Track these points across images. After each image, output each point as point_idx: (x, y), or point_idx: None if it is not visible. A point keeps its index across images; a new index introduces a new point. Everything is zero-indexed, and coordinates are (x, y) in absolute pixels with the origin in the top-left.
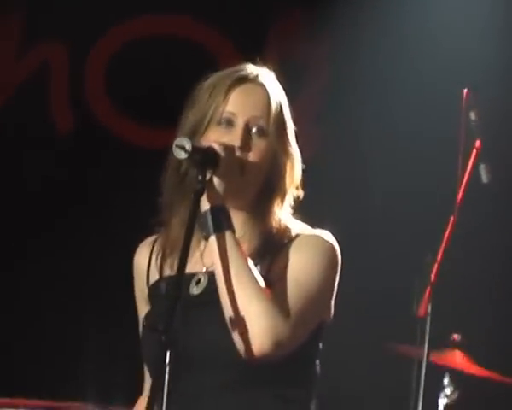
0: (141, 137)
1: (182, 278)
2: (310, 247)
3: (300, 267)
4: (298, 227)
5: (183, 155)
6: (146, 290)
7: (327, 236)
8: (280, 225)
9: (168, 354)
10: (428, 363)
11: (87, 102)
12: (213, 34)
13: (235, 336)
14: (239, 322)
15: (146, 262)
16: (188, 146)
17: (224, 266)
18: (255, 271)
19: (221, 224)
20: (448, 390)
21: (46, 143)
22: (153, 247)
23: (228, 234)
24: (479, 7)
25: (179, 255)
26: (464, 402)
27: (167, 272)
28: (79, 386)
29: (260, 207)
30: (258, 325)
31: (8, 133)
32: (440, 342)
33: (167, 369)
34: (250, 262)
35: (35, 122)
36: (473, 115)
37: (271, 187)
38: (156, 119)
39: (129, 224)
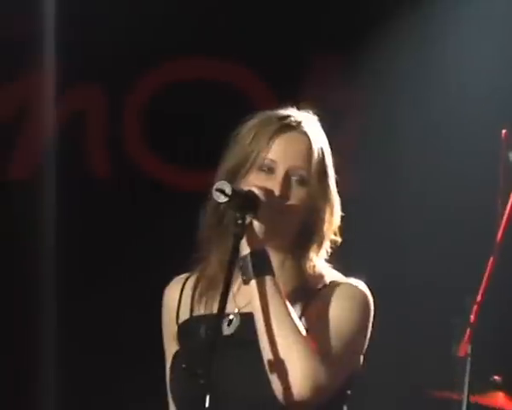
0: (178, 180)
1: (221, 321)
2: (346, 297)
3: (337, 316)
4: (332, 274)
5: (222, 199)
6: (175, 328)
7: (361, 285)
8: (315, 270)
9: (208, 397)
10: (469, 405)
11: (125, 145)
12: (252, 78)
13: (274, 381)
14: (279, 367)
15: (176, 300)
16: (228, 190)
17: (265, 311)
18: (296, 317)
19: (262, 268)
20: None
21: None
22: (183, 285)
23: (269, 279)
24: None
25: (220, 297)
26: None
27: (199, 311)
28: None
29: (297, 252)
30: (299, 371)
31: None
32: (482, 384)
33: None
34: (290, 308)
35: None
36: None
37: (309, 232)
38: (195, 161)
39: (164, 265)
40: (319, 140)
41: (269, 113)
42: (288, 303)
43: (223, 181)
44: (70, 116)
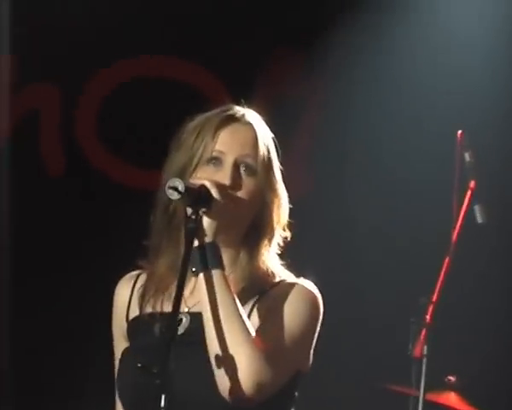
0: (129, 177)
1: (176, 318)
2: (296, 297)
3: (286, 316)
4: (283, 273)
5: (175, 196)
6: (125, 325)
7: (310, 286)
8: (266, 268)
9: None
10: (425, 403)
11: (78, 144)
12: (205, 75)
13: (219, 377)
14: (225, 363)
15: (127, 296)
16: (180, 187)
17: (212, 305)
18: (244, 314)
19: (211, 261)
20: None
21: (38, 185)
22: (135, 282)
23: (218, 272)
24: (476, 52)
25: (175, 294)
26: None
27: (148, 309)
28: None
29: (248, 247)
30: (245, 368)
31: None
32: (436, 384)
33: None
34: (239, 304)
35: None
36: (467, 156)
37: (259, 226)
38: (145, 160)
39: (115, 262)
40: (264, 132)
41: (213, 110)
42: (236, 299)
43: (175, 178)
44: (24, 115)
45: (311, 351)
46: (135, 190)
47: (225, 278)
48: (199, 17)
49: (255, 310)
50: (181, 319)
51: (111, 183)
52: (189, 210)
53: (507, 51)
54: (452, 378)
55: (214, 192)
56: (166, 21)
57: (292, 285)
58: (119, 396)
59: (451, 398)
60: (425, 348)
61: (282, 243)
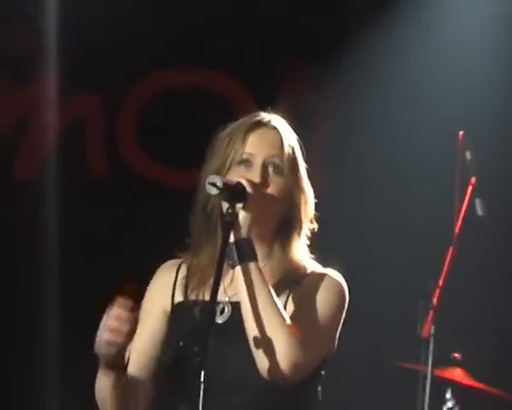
0: (167, 179)
1: (214, 305)
2: (325, 287)
3: (317, 304)
4: (312, 264)
5: (214, 191)
6: (169, 307)
7: (338, 276)
8: (298, 260)
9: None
10: (432, 378)
11: (119, 148)
12: (234, 86)
13: (259, 359)
14: (263, 347)
15: (172, 281)
16: (219, 183)
17: (250, 295)
18: (278, 302)
19: (246, 255)
20: (450, 404)
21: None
22: (178, 269)
23: (252, 264)
24: (476, 59)
25: (213, 283)
26: None
27: (192, 296)
28: None
29: (280, 240)
30: (282, 352)
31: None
32: (443, 360)
33: (202, 387)
34: (273, 293)
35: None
36: (468, 155)
37: (289, 220)
38: (181, 163)
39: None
40: (289, 135)
41: (242, 118)
42: (271, 289)
43: (214, 175)
44: (70, 122)
45: (337, 335)
46: (171, 190)
47: (260, 270)
48: (224, 30)
49: (290, 299)
50: (223, 308)
51: (149, 183)
52: (226, 205)
53: (506, 54)
54: (457, 355)
55: (248, 188)
56: (195, 34)
57: (322, 276)
58: (159, 372)
59: (456, 373)
60: (432, 328)
61: (310, 235)
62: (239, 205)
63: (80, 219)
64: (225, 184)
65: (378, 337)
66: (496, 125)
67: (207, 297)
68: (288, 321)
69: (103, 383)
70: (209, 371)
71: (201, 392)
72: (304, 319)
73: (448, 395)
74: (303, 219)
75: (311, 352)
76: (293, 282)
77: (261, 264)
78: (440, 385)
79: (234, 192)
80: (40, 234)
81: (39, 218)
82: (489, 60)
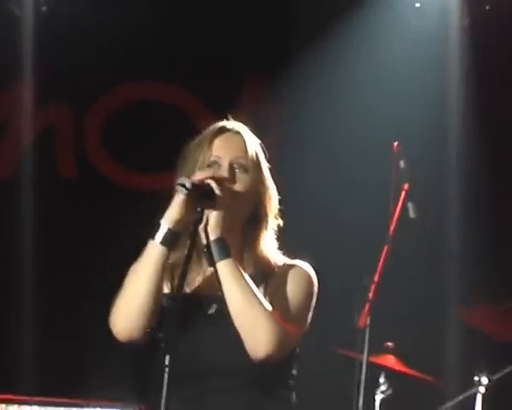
0: (129, 181)
1: (179, 299)
2: (298, 276)
3: (292, 292)
4: (282, 257)
5: (183, 192)
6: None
7: (307, 266)
8: (267, 253)
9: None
10: (367, 365)
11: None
12: (190, 98)
13: (247, 344)
14: (249, 333)
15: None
16: (187, 184)
17: (230, 289)
18: (257, 290)
19: (221, 253)
20: (383, 387)
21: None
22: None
23: (228, 261)
24: (410, 79)
25: (179, 276)
26: (396, 397)
27: (165, 290)
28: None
29: (249, 235)
30: (265, 335)
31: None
32: (377, 349)
33: (166, 370)
34: (251, 283)
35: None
36: (402, 163)
37: (256, 216)
38: (141, 166)
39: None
40: (251, 138)
41: (209, 127)
42: (249, 280)
43: (183, 177)
44: (42, 128)
45: (309, 318)
46: (131, 190)
47: (237, 265)
48: (185, 47)
49: (267, 290)
50: (212, 301)
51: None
52: (195, 203)
53: (433, 77)
54: (390, 344)
55: (216, 188)
56: (156, 52)
57: (293, 267)
58: None
59: (389, 360)
60: (368, 319)
61: (276, 231)
62: (211, 204)
63: (50, 216)
64: (193, 185)
65: (320, 327)
66: (426, 137)
67: (188, 291)
68: (269, 307)
69: (156, 258)
70: (201, 357)
71: (166, 375)
72: (281, 305)
73: (381, 380)
74: (269, 213)
75: (291, 333)
76: (266, 274)
77: (236, 259)
78: (375, 371)
79: (202, 192)
80: (15, 228)
81: (12, 214)
82: (418, 80)
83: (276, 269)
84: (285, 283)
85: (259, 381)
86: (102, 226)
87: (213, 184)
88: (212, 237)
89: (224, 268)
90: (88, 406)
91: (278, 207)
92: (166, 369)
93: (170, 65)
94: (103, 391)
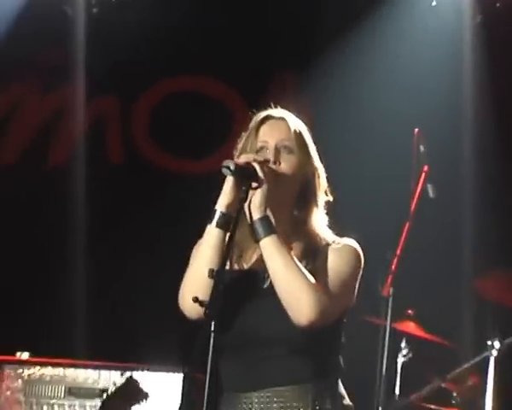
0: (175, 166)
1: (223, 271)
2: (346, 253)
3: (339, 267)
4: (331, 235)
5: (228, 173)
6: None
7: (354, 243)
8: (318, 232)
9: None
10: (391, 330)
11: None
12: (230, 92)
13: (291, 312)
14: (293, 303)
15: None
16: (232, 166)
17: (274, 263)
18: (299, 264)
19: (265, 230)
20: (404, 351)
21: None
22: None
23: (272, 237)
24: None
25: (225, 251)
26: (416, 360)
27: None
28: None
29: (300, 213)
30: (308, 304)
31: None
32: (399, 316)
33: (212, 335)
34: (294, 258)
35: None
36: (422, 148)
37: (306, 194)
38: (187, 153)
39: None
40: (295, 122)
41: (255, 116)
42: (292, 255)
43: (228, 160)
44: (93, 120)
45: (356, 290)
46: (178, 175)
47: (279, 241)
48: (221, 45)
49: (316, 264)
50: (266, 276)
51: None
52: (241, 184)
53: (449, 72)
54: (411, 311)
55: (258, 169)
56: (195, 49)
57: (341, 244)
58: None
59: (410, 326)
60: (391, 289)
61: (326, 206)
62: (254, 184)
63: (100, 198)
64: (237, 166)
65: None
66: (445, 125)
67: (245, 266)
68: (312, 279)
69: (214, 240)
70: (253, 328)
71: (212, 340)
72: (327, 279)
73: (403, 345)
74: (317, 191)
75: (335, 303)
76: (315, 250)
77: (287, 236)
78: (397, 336)
79: (245, 173)
80: (70, 209)
81: (69, 197)
82: (436, 72)
83: (326, 246)
84: (333, 258)
85: (305, 350)
86: (150, 209)
87: (256, 166)
88: (255, 216)
89: (267, 244)
90: (138, 369)
91: (327, 184)
92: (212, 334)
93: (208, 61)
94: (156, 357)
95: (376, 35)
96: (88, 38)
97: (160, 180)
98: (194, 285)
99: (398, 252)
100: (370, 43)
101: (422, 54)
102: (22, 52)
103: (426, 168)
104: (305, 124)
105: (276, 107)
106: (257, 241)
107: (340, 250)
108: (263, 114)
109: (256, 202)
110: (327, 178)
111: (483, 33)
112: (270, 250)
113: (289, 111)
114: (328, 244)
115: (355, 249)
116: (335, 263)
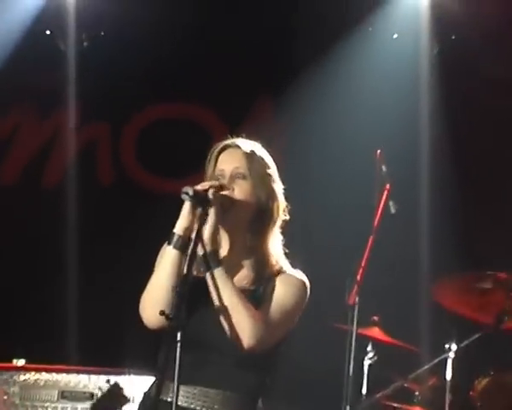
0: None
1: (186, 285)
2: (290, 286)
3: (283, 298)
4: (284, 262)
5: (187, 198)
6: None
7: (302, 276)
8: (271, 257)
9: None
10: (357, 336)
11: (123, 164)
12: (210, 116)
13: (232, 338)
14: (235, 330)
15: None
16: (190, 192)
17: (218, 293)
18: (241, 294)
19: (211, 264)
20: (370, 354)
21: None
22: None
23: (218, 271)
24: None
25: (185, 272)
26: (381, 362)
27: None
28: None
29: (256, 235)
30: (249, 332)
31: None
32: (365, 322)
33: (178, 345)
34: (235, 289)
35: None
36: (384, 168)
37: (261, 218)
38: (169, 174)
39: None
40: (250, 148)
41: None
42: (234, 286)
43: (187, 186)
44: (85, 144)
45: (297, 320)
46: (161, 195)
47: (224, 274)
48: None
49: (264, 292)
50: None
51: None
52: (199, 208)
53: (409, 97)
54: (376, 318)
55: (210, 193)
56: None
57: (290, 275)
58: None
59: (375, 331)
60: (357, 298)
61: (281, 230)
62: (209, 209)
63: (91, 215)
64: (195, 192)
65: (318, 304)
66: (404, 146)
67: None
68: (252, 309)
69: (171, 260)
70: (198, 332)
71: (178, 349)
72: (270, 308)
73: (369, 348)
74: (274, 213)
75: (274, 332)
76: (267, 278)
77: (238, 260)
78: (363, 341)
79: (201, 198)
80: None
81: (61, 215)
82: (397, 98)
83: (276, 273)
84: (279, 289)
85: (238, 362)
86: (135, 225)
87: (210, 191)
88: (204, 249)
89: (213, 277)
90: (124, 373)
91: (285, 204)
92: (178, 344)
93: (191, 87)
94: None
95: (341, 64)
96: (79, 69)
97: (147, 200)
98: (155, 297)
99: (363, 264)
100: (335, 72)
101: (384, 81)
102: (19, 81)
103: (388, 186)
104: (275, 149)
105: (239, 135)
106: (204, 272)
107: (287, 282)
108: (220, 144)
109: (205, 236)
110: (288, 197)
111: (440, 63)
112: (214, 283)
113: (264, 137)
114: (279, 272)
115: (302, 282)
116: (280, 294)
